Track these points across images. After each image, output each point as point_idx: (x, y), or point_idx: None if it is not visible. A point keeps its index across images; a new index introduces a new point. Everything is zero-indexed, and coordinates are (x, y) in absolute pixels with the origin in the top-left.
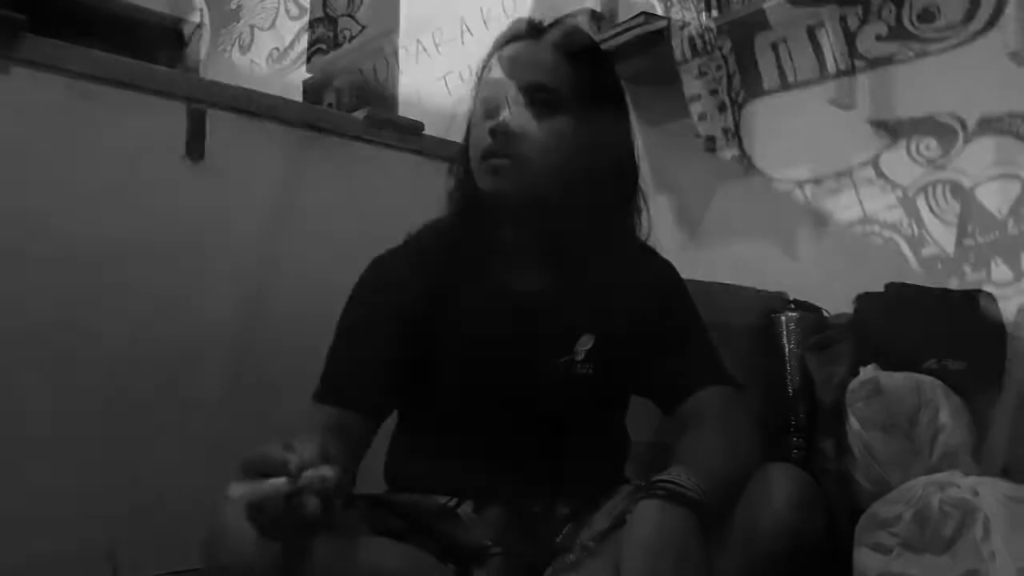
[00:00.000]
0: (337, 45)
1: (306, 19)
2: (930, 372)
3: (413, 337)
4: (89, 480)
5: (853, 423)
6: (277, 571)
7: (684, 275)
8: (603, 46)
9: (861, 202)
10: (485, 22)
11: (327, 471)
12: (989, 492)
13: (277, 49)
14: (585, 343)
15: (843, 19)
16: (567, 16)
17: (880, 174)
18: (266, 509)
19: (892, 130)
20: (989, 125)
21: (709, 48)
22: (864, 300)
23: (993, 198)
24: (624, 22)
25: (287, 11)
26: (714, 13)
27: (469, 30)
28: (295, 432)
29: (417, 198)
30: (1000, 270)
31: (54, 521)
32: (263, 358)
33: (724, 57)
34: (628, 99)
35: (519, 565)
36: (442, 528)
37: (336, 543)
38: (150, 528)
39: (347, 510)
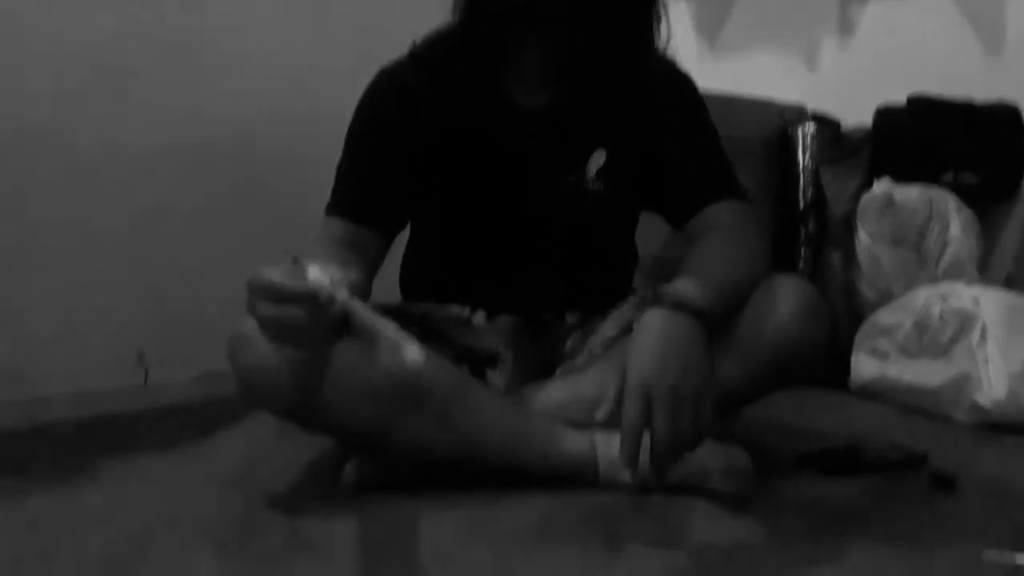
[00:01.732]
0: None
1: None
2: (946, 185)
3: (421, 149)
4: (118, 288)
5: (862, 235)
6: (298, 372)
7: (701, 86)
8: None
9: (890, 9)
10: None
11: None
12: (990, 302)
13: None
14: (597, 159)
15: None
16: None
17: None
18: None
19: None
20: None
21: None
22: (884, 113)
23: None
24: None
25: None
26: None
27: None
28: (309, 243)
29: (422, 5)
30: None
31: (87, 327)
32: (279, 166)
33: None
34: None
35: (529, 368)
36: (456, 335)
37: (355, 346)
38: (178, 332)
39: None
